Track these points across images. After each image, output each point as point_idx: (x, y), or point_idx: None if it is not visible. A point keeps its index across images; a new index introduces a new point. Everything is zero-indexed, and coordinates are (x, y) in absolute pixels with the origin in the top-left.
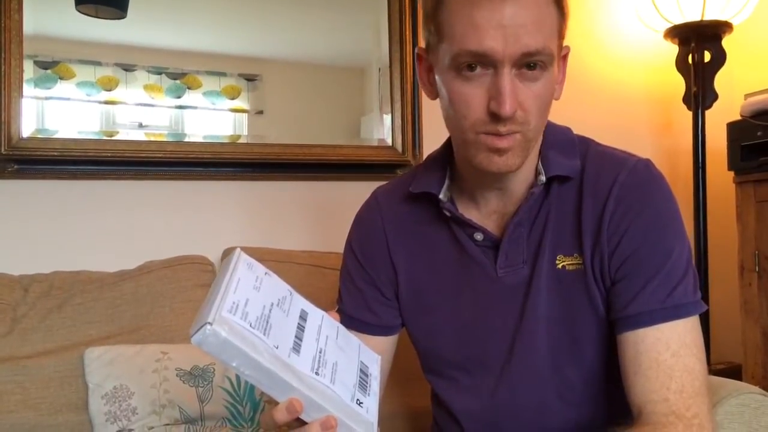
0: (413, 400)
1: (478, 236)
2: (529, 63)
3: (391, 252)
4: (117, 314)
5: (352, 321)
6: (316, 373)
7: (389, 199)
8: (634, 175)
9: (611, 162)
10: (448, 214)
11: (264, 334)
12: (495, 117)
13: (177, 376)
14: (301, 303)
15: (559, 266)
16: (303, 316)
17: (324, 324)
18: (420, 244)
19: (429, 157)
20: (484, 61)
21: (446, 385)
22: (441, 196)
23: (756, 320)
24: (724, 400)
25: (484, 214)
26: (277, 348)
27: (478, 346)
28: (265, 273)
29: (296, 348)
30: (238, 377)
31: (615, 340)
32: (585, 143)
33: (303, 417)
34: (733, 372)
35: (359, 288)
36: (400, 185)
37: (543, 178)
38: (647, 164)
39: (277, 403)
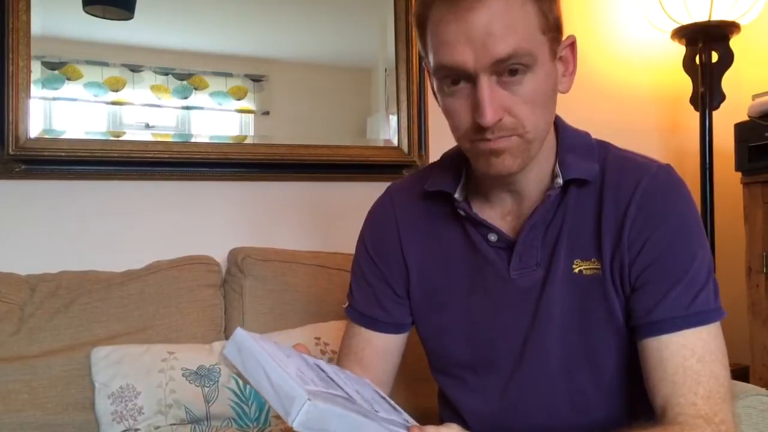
0: (420, 401)
1: (492, 237)
2: (508, 68)
3: (404, 249)
4: (124, 314)
5: (362, 318)
6: (376, 411)
7: (403, 196)
8: (656, 181)
9: (632, 167)
10: (462, 213)
11: (334, 390)
12: (480, 127)
13: (183, 375)
14: (303, 355)
15: (576, 270)
16: (318, 365)
17: (329, 367)
18: (433, 243)
19: (445, 155)
20: (460, 74)
21: (455, 384)
22: (456, 195)
23: (764, 322)
24: (733, 400)
25: (499, 215)
26: (347, 398)
27: (489, 347)
28: (272, 342)
29: (348, 392)
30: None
31: (631, 345)
32: (604, 147)
33: None
34: (740, 374)
35: (371, 284)
36: (414, 183)
37: (560, 180)
38: (668, 170)
39: None
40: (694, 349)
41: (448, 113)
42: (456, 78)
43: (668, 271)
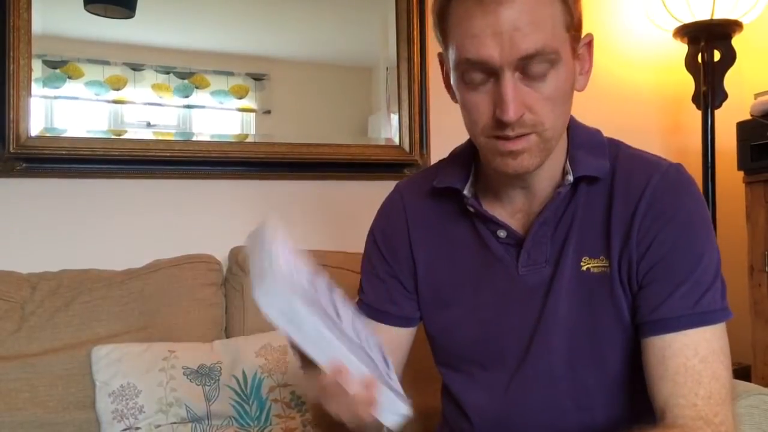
0: (423, 399)
1: (502, 233)
2: (532, 65)
3: (413, 246)
4: (124, 313)
5: (372, 311)
6: (359, 339)
7: (413, 193)
8: (666, 179)
9: (643, 165)
10: (471, 209)
11: (318, 299)
12: (501, 123)
13: (184, 374)
14: (326, 282)
15: (584, 268)
16: (331, 290)
17: (346, 305)
18: (442, 239)
19: (453, 152)
20: (484, 68)
21: (459, 378)
22: (465, 192)
23: (766, 321)
24: (733, 401)
25: (509, 212)
26: (327, 314)
27: (495, 343)
28: (297, 249)
29: (339, 315)
30: (245, 376)
31: (637, 344)
32: (615, 145)
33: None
34: (742, 373)
35: (381, 279)
36: (423, 179)
37: (570, 177)
38: (679, 168)
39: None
40: (697, 349)
41: (466, 107)
42: (478, 72)
43: (675, 270)
